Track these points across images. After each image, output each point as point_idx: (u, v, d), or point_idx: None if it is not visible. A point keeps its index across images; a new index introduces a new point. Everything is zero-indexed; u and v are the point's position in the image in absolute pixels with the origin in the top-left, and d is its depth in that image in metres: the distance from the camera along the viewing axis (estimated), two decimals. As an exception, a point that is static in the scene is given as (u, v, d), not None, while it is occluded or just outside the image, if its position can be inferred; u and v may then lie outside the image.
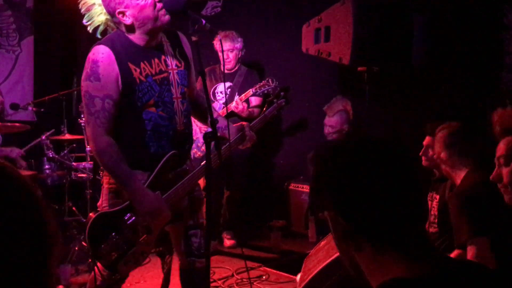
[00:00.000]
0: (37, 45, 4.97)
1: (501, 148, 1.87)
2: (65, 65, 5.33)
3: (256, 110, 4.07)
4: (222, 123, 2.27)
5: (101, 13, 2.13)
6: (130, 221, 2.11)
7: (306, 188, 4.31)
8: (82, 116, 4.10)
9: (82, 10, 2.13)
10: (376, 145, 0.97)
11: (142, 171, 2.13)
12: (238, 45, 4.16)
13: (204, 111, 2.37)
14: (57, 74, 5.23)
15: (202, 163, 2.20)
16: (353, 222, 0.93)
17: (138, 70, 2.09)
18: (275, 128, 4.66)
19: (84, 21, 2.15)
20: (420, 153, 2.63)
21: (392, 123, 4.04)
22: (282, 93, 2.60)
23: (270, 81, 3.93)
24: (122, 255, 2.10)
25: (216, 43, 4.09)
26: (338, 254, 2.44)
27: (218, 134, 2.04)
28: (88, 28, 2.15)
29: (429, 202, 2.64)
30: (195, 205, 2.28)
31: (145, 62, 2.11)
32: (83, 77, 2.08)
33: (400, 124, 3.95)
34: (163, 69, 2.15)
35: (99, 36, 2.16)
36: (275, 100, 2.57)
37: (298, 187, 4.40)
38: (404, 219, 0.92)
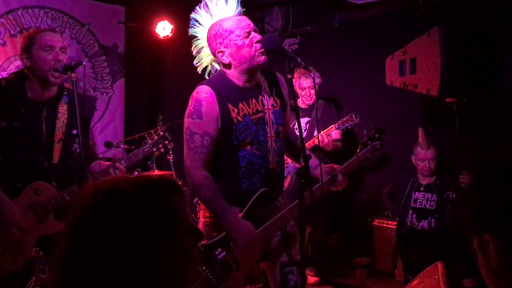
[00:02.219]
0: (127, 87, 5.33)
1: None
2: (152, 105, 5.68)
3: (338, 143, 4.02)
4: (313, 162, 2.24)
5: (209, 54, 2.24)
6: (221, 256, 2.12)
7: (391, 224, 4.14)
8: (170, 152, 4.30)
9: (194, 53, 2.27)
10: None
11: (234, 206, 2.17)
12: (318, 80, 4.18)
13: (296, 148, 2.40)
14: (144, 114, 5.56)
15: (295, 202, 2.20)
16: None
17: (236, 111, 2.17)
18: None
19: (195, 62, 2.28)
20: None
21: (482, 154, 3.82)
22: (377, 135, 2.52)
23: (353, 117, 3.87)
24: None
25: (296, 80, 4.14)
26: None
27: (310, 174, 2.05)
28: (198, 69, 2.28)
29: None
30: (288, 241, 2.27)
31: (244, 102, 2.18)
32: (186, 114, 2.17)
33: (490, 155, 3.72)
34: (259, 109, 2.22)
35: (206, 77, 2.27)
36: (369, 142, 2.51)
37: (383, 223, 4.24)
38: None
